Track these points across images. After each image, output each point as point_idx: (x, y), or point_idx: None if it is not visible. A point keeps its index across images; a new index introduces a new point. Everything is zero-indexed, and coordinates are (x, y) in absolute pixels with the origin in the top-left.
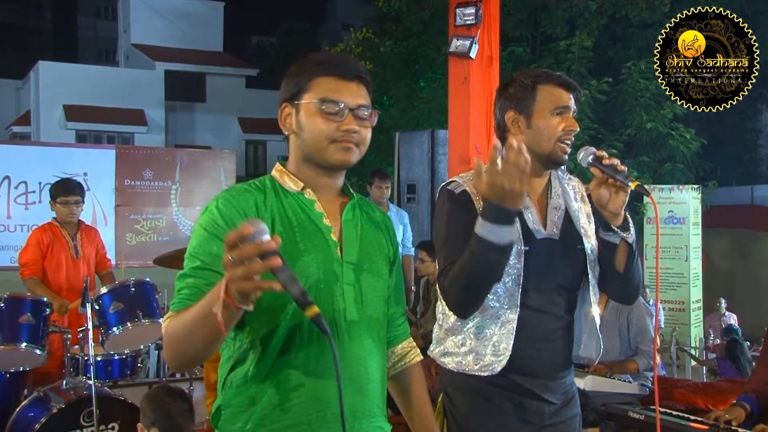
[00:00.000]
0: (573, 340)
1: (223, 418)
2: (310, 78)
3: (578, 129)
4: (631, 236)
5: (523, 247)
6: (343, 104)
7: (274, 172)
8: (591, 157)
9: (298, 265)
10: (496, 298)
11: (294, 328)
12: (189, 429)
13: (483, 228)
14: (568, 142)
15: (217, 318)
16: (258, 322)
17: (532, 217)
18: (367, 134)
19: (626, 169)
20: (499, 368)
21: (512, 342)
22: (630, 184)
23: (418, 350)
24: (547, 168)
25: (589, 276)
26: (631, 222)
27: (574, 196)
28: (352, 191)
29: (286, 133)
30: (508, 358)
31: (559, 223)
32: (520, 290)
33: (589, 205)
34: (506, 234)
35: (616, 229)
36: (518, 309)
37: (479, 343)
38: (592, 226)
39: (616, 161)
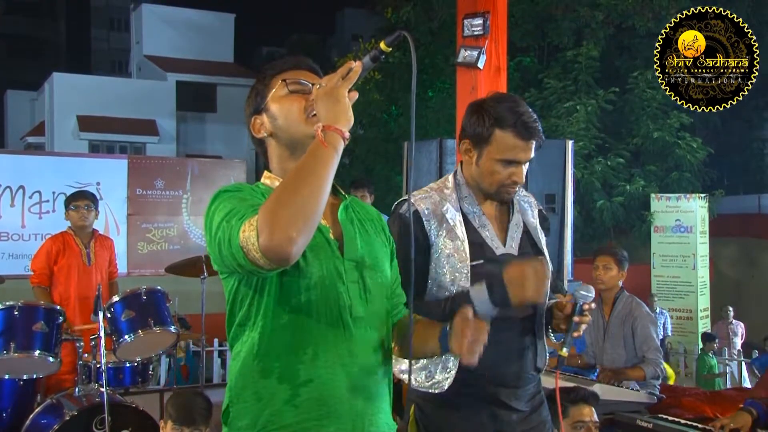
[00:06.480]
0: (540, 348)
1: (232, 415)
2: (266, 83)
3: (522, 182)
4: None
5: (468, 264)
6: (305, 81)
7: (264, 180)
8: (580, 303)
9: (301, 264)
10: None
11: (302, 323)
12: (204, 425)
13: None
14: (513, 189)
15: (341, 132)
16: (265, 316)
17: (489, 234)
18: None
19: (578, 335)
20: (447, 385)
21: (458, 359)
22: (559, 352)
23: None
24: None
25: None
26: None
27: (531, 213)
28: (343, 192)
29: (263, 135)
30: (453, 375)
31: (518, 240)
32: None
33: (538, 221)
34: None
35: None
36: None
37: (430, 361)
38: (544, 240)
39: (581, 325)
